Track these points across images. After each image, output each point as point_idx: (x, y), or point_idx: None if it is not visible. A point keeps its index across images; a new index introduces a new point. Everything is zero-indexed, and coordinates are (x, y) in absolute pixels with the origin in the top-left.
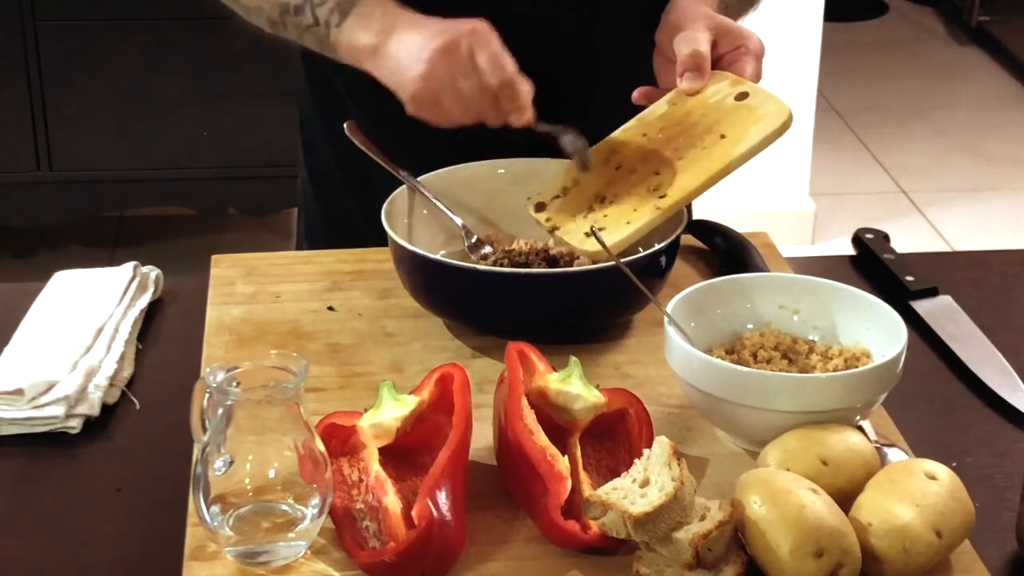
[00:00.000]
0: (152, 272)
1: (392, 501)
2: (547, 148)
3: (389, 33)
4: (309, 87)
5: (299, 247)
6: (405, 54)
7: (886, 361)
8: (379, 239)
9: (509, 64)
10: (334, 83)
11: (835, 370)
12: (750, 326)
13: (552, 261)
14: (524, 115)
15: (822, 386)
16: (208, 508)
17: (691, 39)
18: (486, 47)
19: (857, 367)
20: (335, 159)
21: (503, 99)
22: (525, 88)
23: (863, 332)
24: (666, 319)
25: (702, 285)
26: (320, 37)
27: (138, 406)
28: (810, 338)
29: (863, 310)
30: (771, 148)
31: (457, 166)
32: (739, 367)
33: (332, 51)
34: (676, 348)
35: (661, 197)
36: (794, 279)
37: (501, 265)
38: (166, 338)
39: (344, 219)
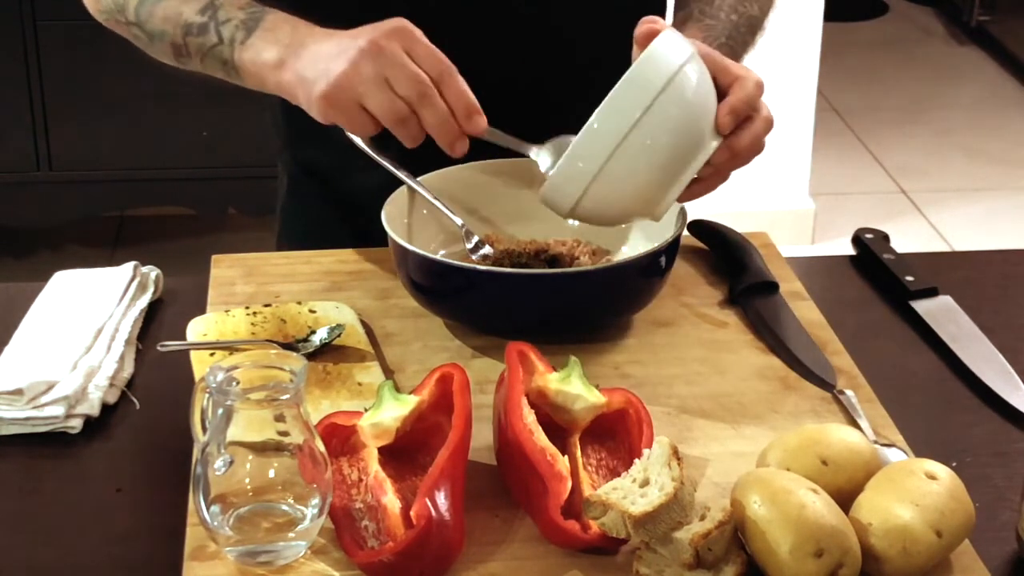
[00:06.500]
0: (152, 272)
1: (391, 501)
2: None
3: (300, 45)
4: None
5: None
6: (320, 62)
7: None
8: (364, 240)
9: (447, 60)
10: None
11: None
12: None
13: (552, 261)
14: (476, 118)
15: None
16: (208, 508)
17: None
18: (418, 42)
19: None
20: (328, 156)
21: (447, 93)
22: (467, 88)
23: None
24: None
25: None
26: (223, 58)
27: (138, 406)
28: None
29: None
30: (772, 148)
31: (457, 166)
32: None
33: (235, 72)
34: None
35: None
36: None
37: (501, 265)
38: (166, 338)
39: (329, 219)
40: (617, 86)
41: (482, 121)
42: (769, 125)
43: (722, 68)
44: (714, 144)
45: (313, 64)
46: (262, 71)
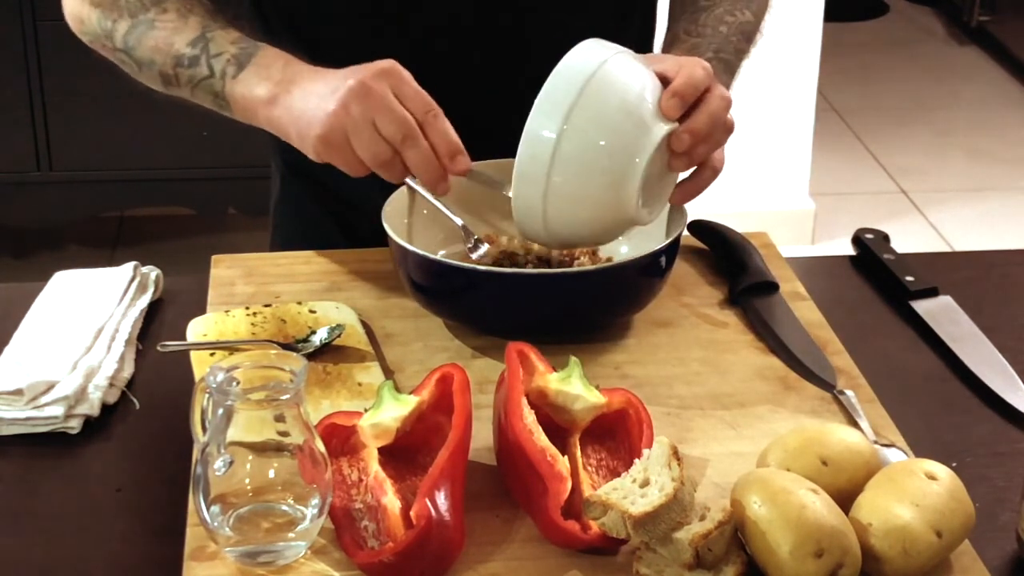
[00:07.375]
0: (152, 272)
1: (391, 501)
2: None
3: (291, 82)
4: None
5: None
6: (311, 101)
7: None
8: (357, 240)
9: (432, 101)
10: None
11: None
12: None
13: (551, 261)
14: (459, 159)
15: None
16: (208, 508)
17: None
18: (405, 83)
19: None
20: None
21: (431, 133)
22: (451, 129)
23: None
24: None
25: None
26: (214, 90)
27: (138, 406)
28: None
29: None
30: (772, 148)
31: None
32: None
33: (225, 105)
34: None
35: None
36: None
37: (501, 265)
38: (166, 338)
39: (321, 219)
40: (537, 99)
41: (465, 160)
42: (727, 103)
43: (667, 63)
44: (663, 129)
45: (304, 102)
46: (253, 106)
